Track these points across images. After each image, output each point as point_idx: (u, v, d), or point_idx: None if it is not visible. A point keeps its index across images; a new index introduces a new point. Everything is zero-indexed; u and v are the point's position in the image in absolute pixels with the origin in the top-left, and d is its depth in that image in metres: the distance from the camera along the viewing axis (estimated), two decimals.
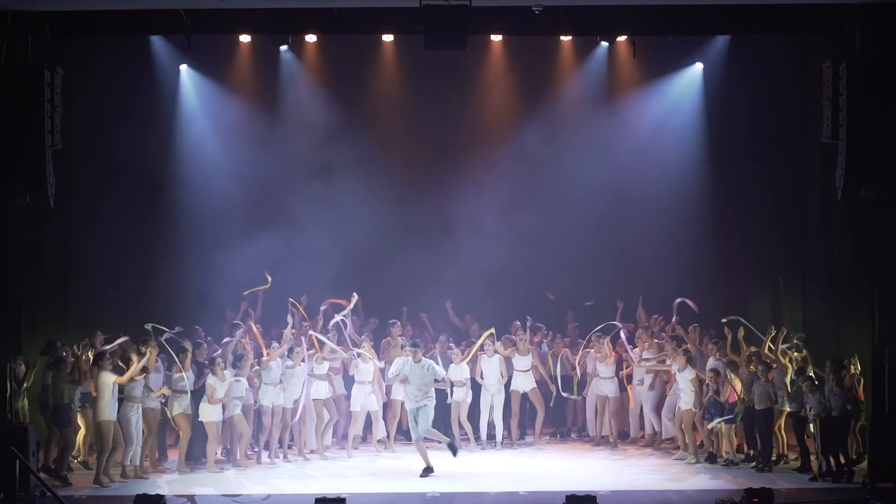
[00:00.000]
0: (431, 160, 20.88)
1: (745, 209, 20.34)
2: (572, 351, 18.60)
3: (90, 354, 16.09)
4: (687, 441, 16.92)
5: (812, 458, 15.88)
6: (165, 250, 20.21)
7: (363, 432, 17.97)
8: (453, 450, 16.33)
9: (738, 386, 16.43)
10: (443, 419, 17.95)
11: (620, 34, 17.85)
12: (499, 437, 18.14)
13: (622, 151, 20.55)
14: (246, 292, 18.46)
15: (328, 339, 17.36)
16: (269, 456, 16.89)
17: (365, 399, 17.56)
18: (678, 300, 18.44)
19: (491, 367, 18.00)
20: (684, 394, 16.86)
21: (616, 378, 18.23)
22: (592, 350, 18.29)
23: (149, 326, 16.08)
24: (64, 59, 15.95)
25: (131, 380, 15.54)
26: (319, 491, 14.13)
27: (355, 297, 17.93)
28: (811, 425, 15.74)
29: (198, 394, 16.34)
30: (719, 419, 16.50)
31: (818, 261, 19.14)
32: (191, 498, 14.67)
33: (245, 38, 19.64)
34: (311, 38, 19.68)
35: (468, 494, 14.97)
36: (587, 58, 20.65)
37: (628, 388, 18.34)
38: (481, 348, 17.91)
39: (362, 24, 16.51)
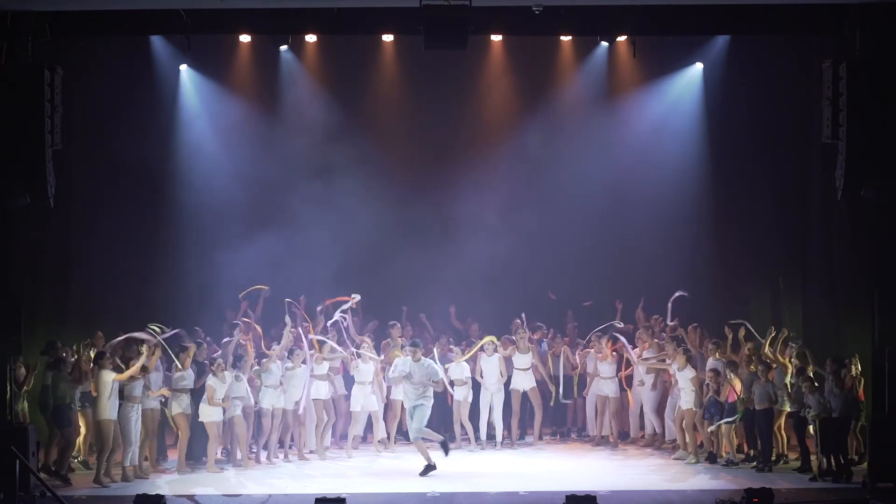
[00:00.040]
0: (431, 160, 20.86)
1: (745, 209, 20.32)
2: (571, 350, 18.62)
3: (91, 354, 16.08)
4: (687, 441, 16.93)
5: (812, 458, 15.89)
6: (165, 250, 20.19)
7: (363, 433, 17.98)
8: (445, 448, 16.33)
9: (738, 386, 16.43)
10: (444, 419, 17.97)
11: (620, 34, 17.82)
12: (499, 437, 18.15)
13: (622, 151, 20.53)
14: (241, 294, 18.44)
15: (328, 338, 17.37)
16: (269, 457, 16.90)
17: (365, 399, 17.56)
18: (674, 296, 18.45)
19: (490, 366, 18.01)
20: (684, 393, 16.88)
21: (616, 378, 18.25)
22: (592, 350, 18.32)
23: (153, 327, 16.09)
24: (64, 59, 15.93)
25: (131, 378, 15.53)
26: (319, 491, 14.13)
27: (356, 298, 17.94)
28: (811, 427, 15.75)
29: (198, 394, 16.34)
30: (720, 421, 16.50)
31: (818, 261, 19.11)
32: (191, 498, 14.68)
33: (245, 38, 19.61)
34: (311, 38, 19.63)
35: (468, 494, 14.97)
36: (587, 58, 20.62)
37: (628, 389, 18.36)
38: (482, 348, 17.92)
39: (362, 24, 16.51)
